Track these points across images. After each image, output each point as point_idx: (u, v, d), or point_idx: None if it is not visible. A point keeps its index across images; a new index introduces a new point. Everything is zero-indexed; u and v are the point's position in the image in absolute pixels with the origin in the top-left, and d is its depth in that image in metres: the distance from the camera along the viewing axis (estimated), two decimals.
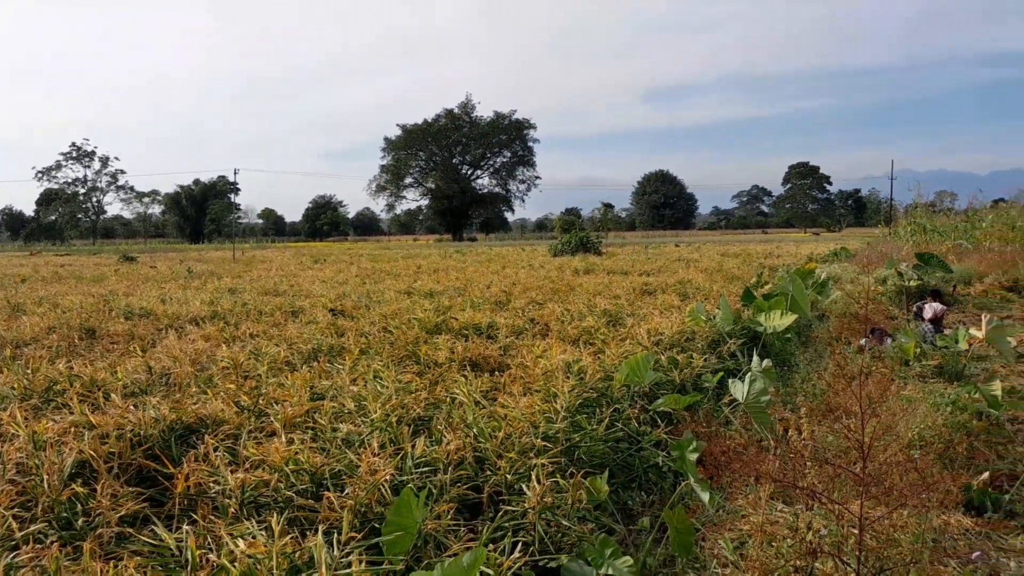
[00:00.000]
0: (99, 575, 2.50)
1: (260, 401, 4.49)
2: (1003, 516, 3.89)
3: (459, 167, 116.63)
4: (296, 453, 3.47)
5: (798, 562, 3.02)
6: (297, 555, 2.64)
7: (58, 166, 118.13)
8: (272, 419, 4.11)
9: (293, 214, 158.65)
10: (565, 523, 3.27)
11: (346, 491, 3.18)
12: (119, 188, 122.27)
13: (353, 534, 2.84)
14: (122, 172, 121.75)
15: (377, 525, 3.00)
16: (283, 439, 3.71)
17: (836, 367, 6.41)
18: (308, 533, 2.87)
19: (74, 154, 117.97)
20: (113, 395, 4.52)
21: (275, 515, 2.86)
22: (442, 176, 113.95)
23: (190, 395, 4.74)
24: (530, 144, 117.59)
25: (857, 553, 2.96)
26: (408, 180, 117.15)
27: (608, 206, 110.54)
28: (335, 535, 2.77)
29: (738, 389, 4.76)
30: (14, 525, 2.86)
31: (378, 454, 3.46)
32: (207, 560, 2.63)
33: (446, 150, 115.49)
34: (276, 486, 3.26)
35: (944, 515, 3.69)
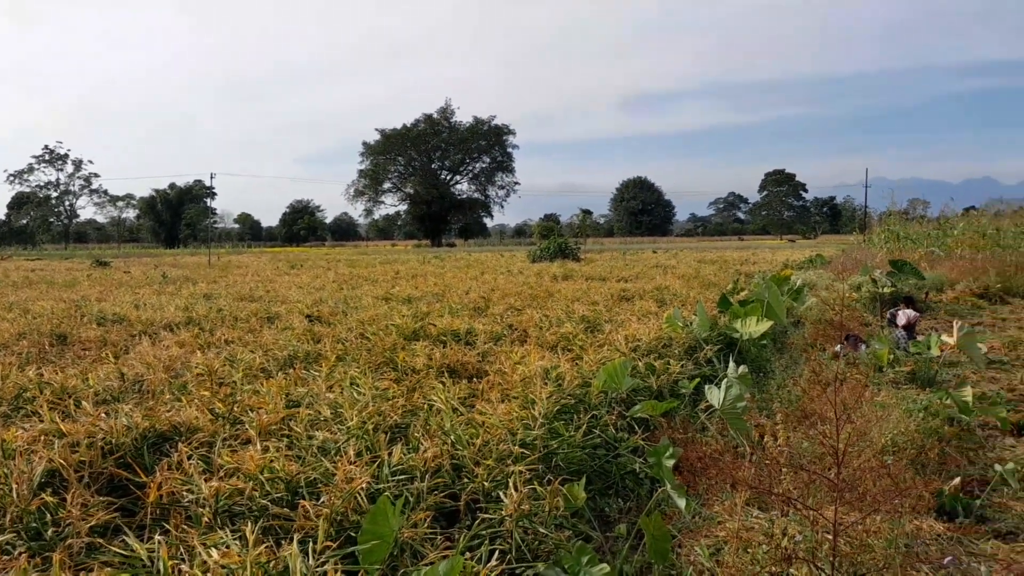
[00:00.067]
0: None
1: (235, 408, 4.45)
2: (974, 521, 3.94)
3: (438, 172, 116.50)
4: (271, 461, 3.44)
5: (774, 568, 3.04)
6: (272, 565, 2.61)
7: (30, 169, 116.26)
8: (247, 427, 4.07)
9: (270, 219, 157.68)
10: (542, 530, 3.26)
11: (322, 499, 3.16)
12: (92, 192, 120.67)
13: (329, 543, 2.82)
14: (96, 176, 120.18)
15: (353, 534, 2.98)
16: (258, 447, 3.68)
17: (811, 373, 6.47)
18: (283, 542, 2.84)
19: (47, 157, 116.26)
20: (84, 403, 4.45)
21: (250, 524, 2.83)
22: (421, 181, 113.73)
23: (163, 402, 4.68)
24: (509, 150, 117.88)
25: (831, 559, 2.98)
26: (387, 185, 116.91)
27: (587, 212, 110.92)
28: (310, 544, 2.75)
29: (714, 395, 4.79)
30: None
31: (354, 462, 3.44)
32: (179, 571, 2.60)
33: (425, 155, 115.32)
34: (251, 494, 3.23)
35: (917, 520, 3.73)
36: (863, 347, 8.14)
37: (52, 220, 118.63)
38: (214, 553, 2.62)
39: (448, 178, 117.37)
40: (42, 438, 3.74)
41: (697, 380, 5.78)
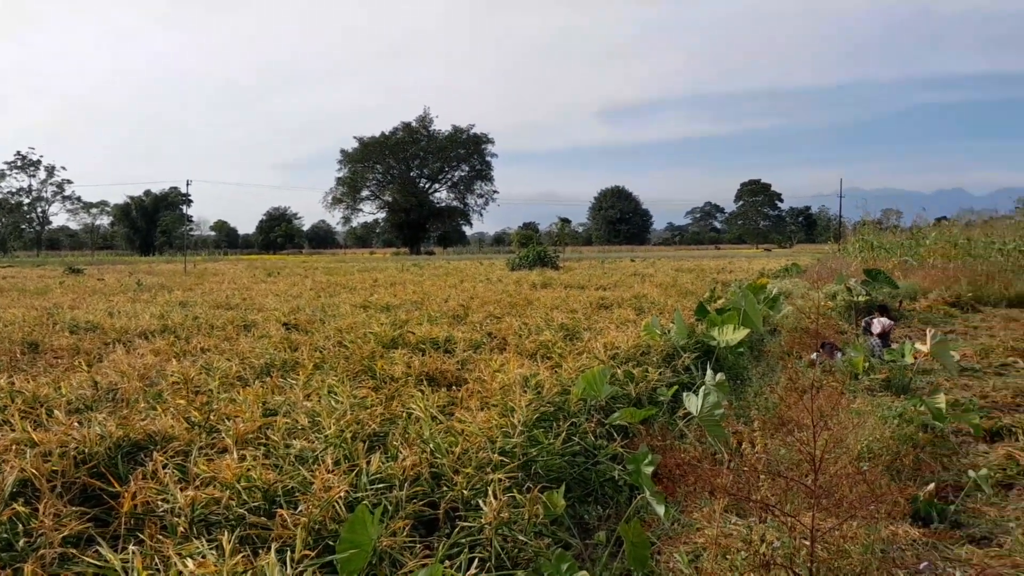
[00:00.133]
0: None
1: (211, 417, 4.41)
2: (949, 526, 3.99)
3: (417, 180, 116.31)
4: (248, 470, 3.41)
5: (752, 574, 3.06)
6: (249, 574, 2.59)
7: (1, 175, 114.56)
8: (224, 435, 4.03)
9: (246, 226, 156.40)
10: (522, 538, 3.26)
11: (300, 508, 3.13)
12: (65, 198, 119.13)
13: (307, 552, 2.79)
14: (69, 182, 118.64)
15: (331, 542, 2.95)
16: (235, 456, 3.64)
17: (788, 381, 6.53)
18: (260, 551, 2.81)
19: (19, 163, 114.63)
20: (56, 411, 4.38)
21: (226, 533, 2.79)
22: (399, 189, 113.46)
23: (138, 411, 4.62)
24: (488, 158, 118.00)
25: (809, 565, 3.00)
26: (365, 193, 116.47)
27: (565, 221, 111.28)
28: (288, 553, 2.73)
29: (692, 403, 4.81)
30: None
31: (332, 471, 3.42)
32: None
33: (404, 163, 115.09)
34: (227, 504, 3.19)
35: (892, 526, 3.77)
36: (839, 355, 8.22)
37: (24, 227, 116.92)
38: (190, 563, 2.59)
39: (427, 186, 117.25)
40: (13, 447, 3.67)
41: (675, 387, 5.80)
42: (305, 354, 6.78)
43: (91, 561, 2.74)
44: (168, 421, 4.22)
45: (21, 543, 2.91)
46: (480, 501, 3.39)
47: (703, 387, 5.02)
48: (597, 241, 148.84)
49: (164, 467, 3.49)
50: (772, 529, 3.40)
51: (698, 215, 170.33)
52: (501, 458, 3.80)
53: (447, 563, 3.01)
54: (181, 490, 3.24)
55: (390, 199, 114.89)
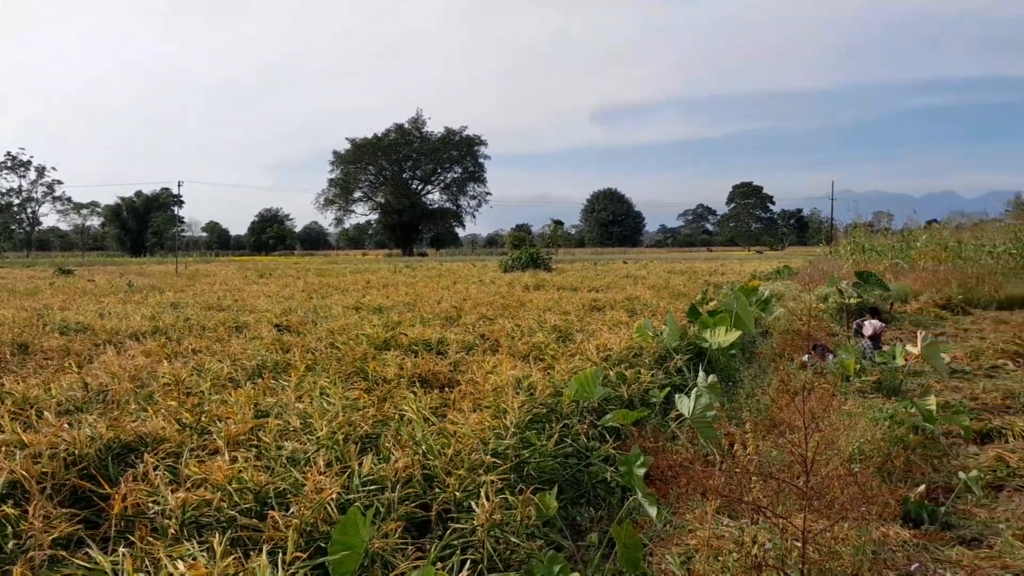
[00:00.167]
0: None
1: (203, 418, 4.39)
2: (939, 528, 4.00)
3: (409, 182, 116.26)
4: (240, 471, 3.39)
5: None
6: None
7: None
8: (215, 437, 4.02)
9: (238, 227, 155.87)
10: (514, 540, 3.25)
11: (291, 510, 3.12)
12: (56, 199, 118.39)
13: (298, 554, 2.78)
14: (59, 183, 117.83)
15: (323, 544, 2.94)
16: (226, 457, 3.63)
17: (780, 383, 6.54)
18: (252, 553, 2.80)
19: (9, 164, 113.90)
20: (47, 413, 4.36)
21: (217, 535, 2.79)
22: (392, 191, 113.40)
23: (129, 412, 4.59)
24: (481, 160, 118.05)
25: (800, 566, 3.01)
26: (357, 194, 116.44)
27: (558, 223, 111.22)
28: (280, 555, 2.72)
29: (684, 404, 4.82)
30: None
31: (324, 472, 3.41)
32: None
33: (396, 165, 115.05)
34: (219, 505, 3.18)
35: (883, 527, 3.79)
36: (830, 357, 8.25)
37: (14, 228, 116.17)
38: (180, 565, 2.58)
39: (419, 188, 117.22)
40: (3, 449, 3.64)
41: (667, 389, 5.82)
42: (297, 356, 6.76)
43: (81, 563, 2.73)
44: (159, 423, 4.20)
45: (10, 545, 2.89)
46: (472, 503, 3.38)
47: (695, 389, 5.03)
48: (590, 243, 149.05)
49: (155, 469, 3.48)
50: (764, 531, 3.41)
51: (690, 217, 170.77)
52: (493, 460, 3.80)
53: (439, 565, 3.01)
54: (172, 492, 3.22)
55: (382, 200, 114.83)
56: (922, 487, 4.35)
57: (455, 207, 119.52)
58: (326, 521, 3.08)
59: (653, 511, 3.59)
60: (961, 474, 4.48)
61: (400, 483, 3.51)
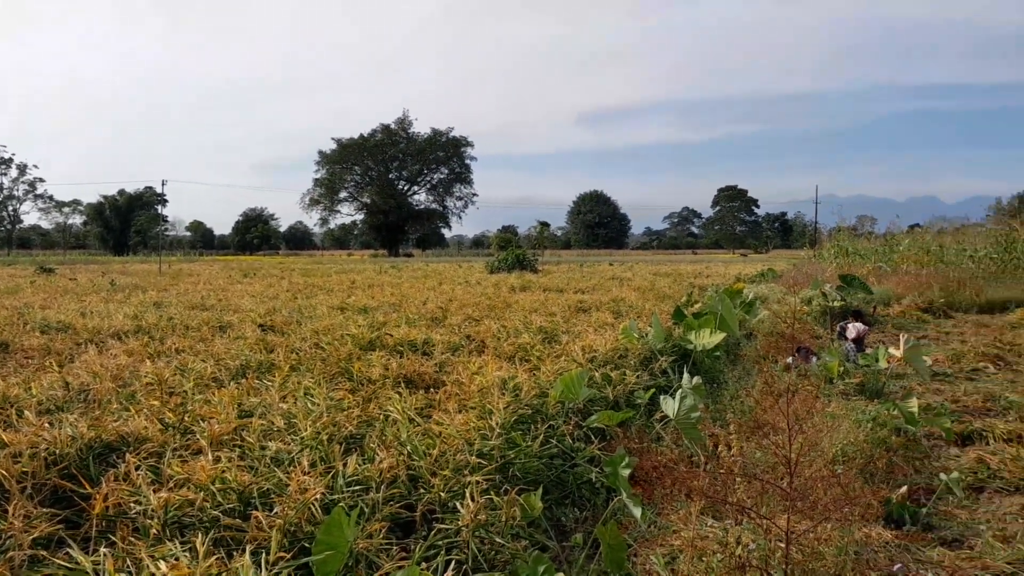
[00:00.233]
0: None
1: (186, 418, 4.35)
2: (921, 529, 4.04)
3: (395, 182, 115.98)
4: (223, 471, 3.37)
5: None
6: None
7: None
8: (198, 436, 3.99)
9: (223, 227, 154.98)
10: (499, 540, 3.25)
11: (275, 510, 3.10)
12: (37, 197, 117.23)
13: (282, 554, 2.77)
14: (41, 180, 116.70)
15: (307, 545, 2.93)
16: (209, 457, 3.60)
17: (764, 384, 6.57)
18: (235, 553, 2.78)
19: None
20: (27, 412, 4.30)
21: (200, 535, 2.76)
22: (378, 191, 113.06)
23: (111, 412, 4.55)
24: (467, 161, 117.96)
25: (784, 567, 3.02)
26: (343, 194, 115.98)
27: (544, 224, 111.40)
28: (263, 555, 2.70)
29: (669, 405, 4.84)
30: None
31: (308, 472, 3.39)
32: None
33: (382, 165, 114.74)
34: (202, 505, 3.15)
35: (866, 528, 3.81)
36: (814, 359, 8.31)
37: None
38: (162, 565, 2.56)
39: (405, 188, 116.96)
40: None
41: (652, 390, 5.83)
42: (281, 356, 6.72)
43: (61, 563, 2.70)
44: (141, 422, 4.17)
45: None
46: (457, 503, 3.38)
47: (680, 390, 5.05)
48: (576, 245, 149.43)
49: (137, 469, 3.45)
50: (748, 531, 3.42)
51: (676, 220, 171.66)
52: (479, 460, 3.79)
53: (424, 565, 3.00)
54: (154, 492, 3.19)
55: (368, 201, 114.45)
56: (904, 488, 4.39)
57: (441, 208, 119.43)
58: (310, 521, 3.07)
59: (638, 512, 3.60)
60: (942, 476, 4.52)
61: (385, 483, 3.49)
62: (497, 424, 4.19)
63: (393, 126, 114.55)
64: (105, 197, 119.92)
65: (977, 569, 3.55)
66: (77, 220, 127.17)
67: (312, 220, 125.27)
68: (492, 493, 3.54)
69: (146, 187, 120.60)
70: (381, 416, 4.58)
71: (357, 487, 3.46)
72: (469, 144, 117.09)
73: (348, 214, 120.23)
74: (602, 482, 4.28)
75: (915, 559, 3.68)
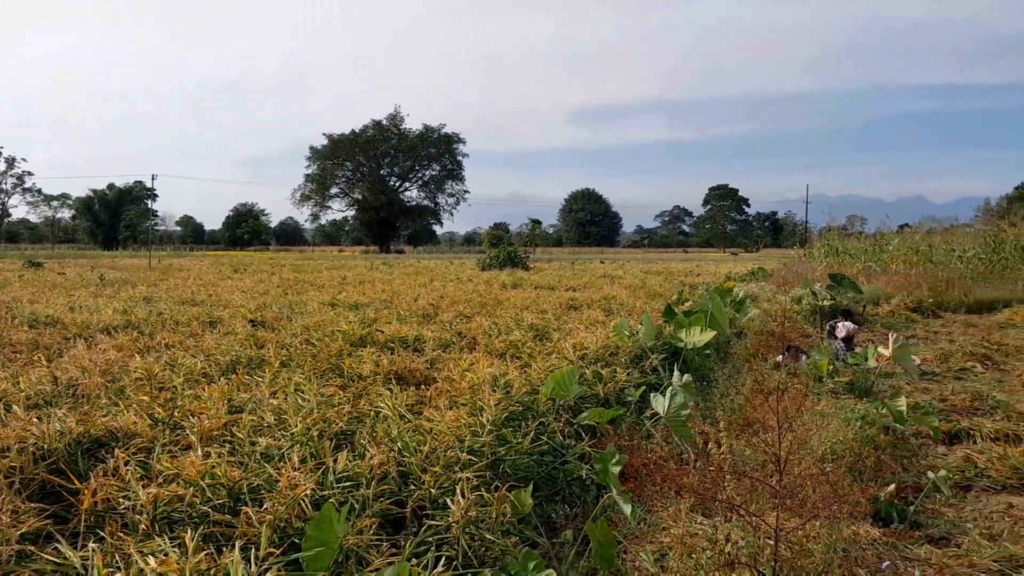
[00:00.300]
0: None
1: (175, 414, 4.34)
2: (908, 526, 4.06)
3: (387, 179, 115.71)
4: (213, 467, 3.36)
5: (717, 573, 3.09)
6: (212, 572, 2.55)
7: None
8: (188, 432, 3.97)
9: (213, 222, 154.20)
10: (489, 537, 3.25)
11: (265, 506, 3.09)
12: (26, 191, 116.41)
13: (272, 550, 2.76)
14: (29, 174, 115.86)
15: (297, 540, 2.92)
16: (199, 453, 3.59)
17: (754, 383, 6.60)
18: (224, 549, 2.77)
19: None
20: (15, 407, 4.28)
21: (189, 531, 2.76)
22: (369, 187, 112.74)
23: (99, 407, 4.53)
24: (459, 158, 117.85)
25: (773, 564, 3.04)
26: (334, 190, 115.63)
27: (536, 222, 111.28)
28: (253, 551, 2.69)
29: (659, 403, 4.85)
30: None
31: (299, 468, 3.38)
32: None
33: (374, 161, 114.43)
34: (191, 501, 3.14)
35: (854, 526, 3.83)
36: (804, 358, 8.34)
37: None
38: (151, 561, 2.55)
39: (397, 185, 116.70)
40: None
41: (643, 388, 5.84)
42: (272, 351, 6.70)
43: (50, 558, 2.69)
44: (130, 417, 4.15)
45: None
46: (448, 500, 3.38)
47: (670, 388, 5.06)
48: (567, 243, 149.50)
49: (126, 464, 3.43)
50: (737, 528, 3.44)
51: (667, 219, 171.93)
52: (469, 457, 3.79)
53: (414, 561, 2.99)
54: (143, 487, 3.18)
55: (360, 197, 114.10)
56: (892, 486, 4.42)
57: (433, 204, 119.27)
58: (300, 517, 3.06)
59: (628, 509, 3.60)
60: (930, 474, 4.55)
61: (375, 480, 3.49)
62: (488, 421, 4.19)
63: (385, 122, 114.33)
64: (94, 191, 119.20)
65: (964, 567, 3.58)
66: (66, 214, 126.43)
67: (303, 216, 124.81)
68: (483, 490, 3.54)
69: (136, 181, 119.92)
70: (372, 412, 4.57)
71: (347, 483, 3.46)
72: (461, 141, 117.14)
73: (339, 210, 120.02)
74: (592, 479, 4.28)
75: (903, 556, 3.70)
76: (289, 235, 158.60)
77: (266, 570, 2.61)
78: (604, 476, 3.79)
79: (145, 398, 4.66)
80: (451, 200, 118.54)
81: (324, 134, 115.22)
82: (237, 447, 3.81)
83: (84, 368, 5.62)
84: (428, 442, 3.89)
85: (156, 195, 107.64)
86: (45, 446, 3.63)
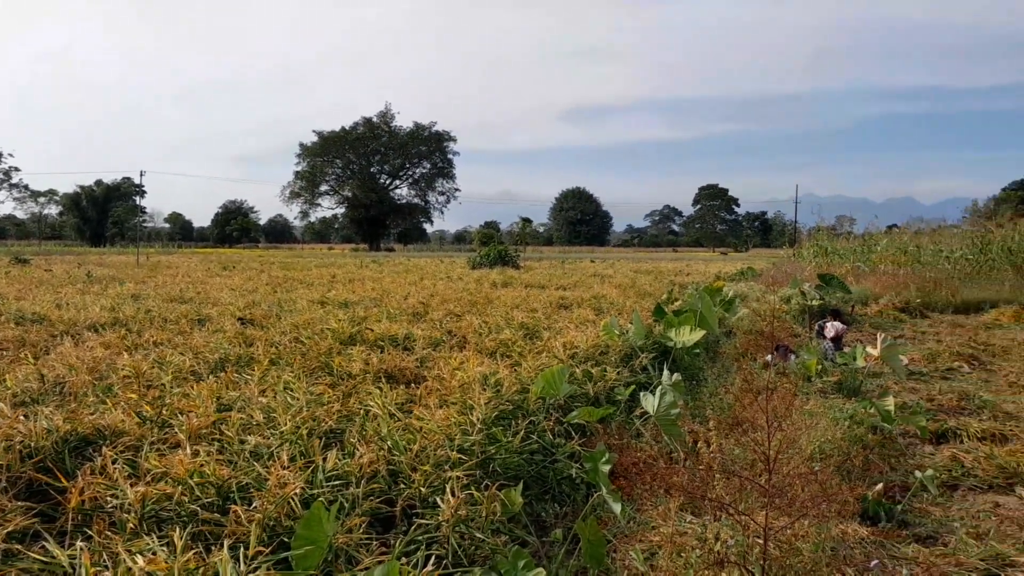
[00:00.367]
0: None
1: (163, 412, 4.31)
2: (896, 525, 4.09)
3: (377, 176, 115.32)
4: (201, 465, 3.34)
5: (706, 572, 3.10)
6: (201, 571, 2.54)
7: None
8: (176, 430, 3.95)
9: (202, 219, 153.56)
10: (479, 535, 3.25)
11: (254, 505, 3.08)
12: (12, 186, 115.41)
13: (261, 548, 2.75)
14: (16, 169, 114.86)
15: (286, 539, 2.92)
16: (188, 451, 3.57)
17: (743, 382, 6.62)
18: (213, 548, 2.76)
19: None
20: (1, 404, 4.24)
21: (178, 530, 2.74)
22: (359, 185, 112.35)
23: (87, 405, 4.50)
24: (450, 156, 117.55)
25: (762, 562, 3.05)
26: (324, 187, 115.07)
27: (527, 221, 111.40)
28: (242, 550, 2.68)
29: (649, 402, 4.86)
30: None
31: (288, 467, 3.37)
32: None
33: (364, 158, 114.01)
34: (180, 500, 3.13)
35: (842, 525, 3.85)
36: (793, 357, 8.38)
37: None
38: (139, 560, 2.53)
39: (387, 182, 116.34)
40: None
41: (633, 387, 5.85)
42: (261, 349, 6.68)
43: (37, 557, 2.67)
44: (118, 415, 4.13)
45: None
46: (438, 499, 3.38)
47: (660, 387, 5.07)
48: (558, 241, 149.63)
49: (114, 462, 3.41)
50: (726, 527, 3.45)
51: (657, 218, 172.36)
52: (459, 456, 3.79)
53: (404, 560, 2.99)
54: (131, 486, 3.16)
55: (349, 194, 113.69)
56: (880, 485, 4.44)
57: (423, 203, 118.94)
58: (289, 516, 3.05)
59: (617, 507, 3.61)
60: (917, 473, 4.58)
61: (365, 478, 3.48)
62: (478, 420, 4.19)
63: (375, 119, 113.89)
64: (82, 187, 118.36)
65: (951, 565, 3.60)
66: (53, 210, 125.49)
67: (292, 213, 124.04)
68: (472, 488, 3.54)
69: (124, 178, 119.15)
70: (361, 411, 4.56)
71: (337, 482, 3.45)
72: (452, 139, 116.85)
73: (329, 208, 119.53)
74: (582, 478, 4.29)
75: (890, 555, 3.72)
76: (278, 233, 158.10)
77: (255, 569, 2.60)
78: (594, 475, 3.79)
79: (133, 396, 4.63)
80: (442, 198, 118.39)
81: (314, 131, 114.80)
82: (226, 445, 3.80)
83: (71, 366, 5.59)
84: (418, 441, 3.88)
85: (144, 191, 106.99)
86: (32, 444, 3.61)
